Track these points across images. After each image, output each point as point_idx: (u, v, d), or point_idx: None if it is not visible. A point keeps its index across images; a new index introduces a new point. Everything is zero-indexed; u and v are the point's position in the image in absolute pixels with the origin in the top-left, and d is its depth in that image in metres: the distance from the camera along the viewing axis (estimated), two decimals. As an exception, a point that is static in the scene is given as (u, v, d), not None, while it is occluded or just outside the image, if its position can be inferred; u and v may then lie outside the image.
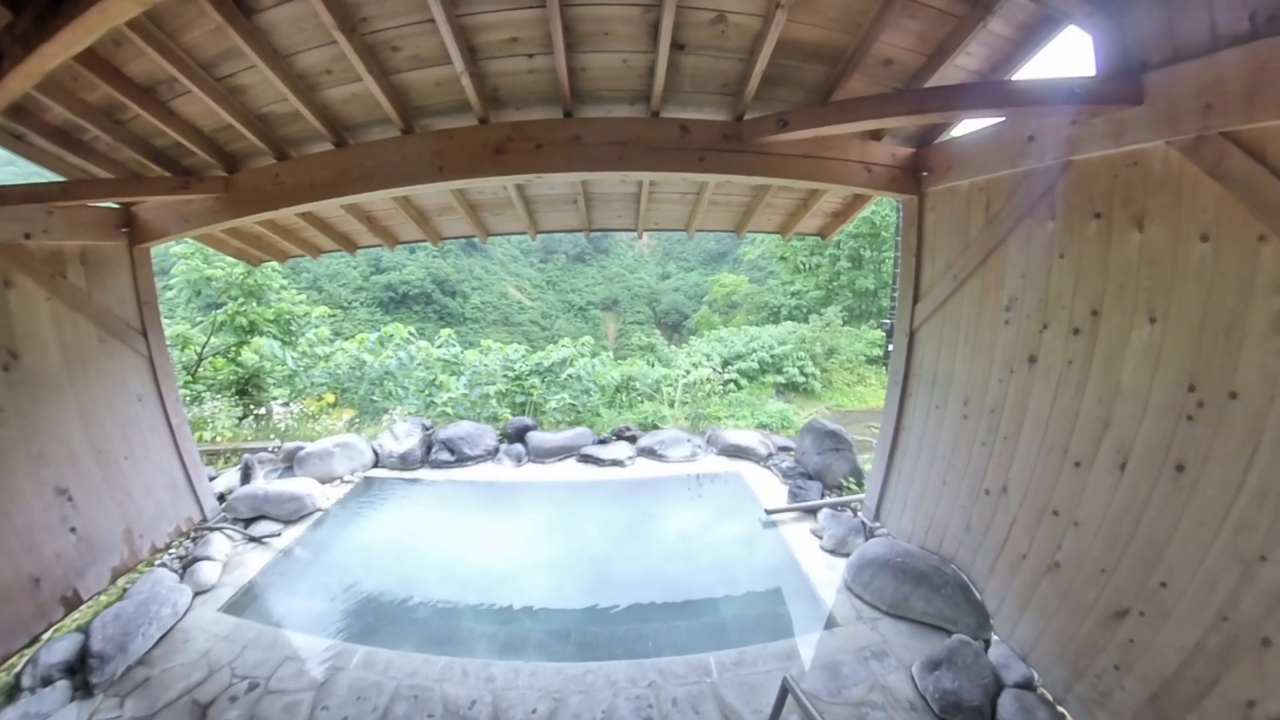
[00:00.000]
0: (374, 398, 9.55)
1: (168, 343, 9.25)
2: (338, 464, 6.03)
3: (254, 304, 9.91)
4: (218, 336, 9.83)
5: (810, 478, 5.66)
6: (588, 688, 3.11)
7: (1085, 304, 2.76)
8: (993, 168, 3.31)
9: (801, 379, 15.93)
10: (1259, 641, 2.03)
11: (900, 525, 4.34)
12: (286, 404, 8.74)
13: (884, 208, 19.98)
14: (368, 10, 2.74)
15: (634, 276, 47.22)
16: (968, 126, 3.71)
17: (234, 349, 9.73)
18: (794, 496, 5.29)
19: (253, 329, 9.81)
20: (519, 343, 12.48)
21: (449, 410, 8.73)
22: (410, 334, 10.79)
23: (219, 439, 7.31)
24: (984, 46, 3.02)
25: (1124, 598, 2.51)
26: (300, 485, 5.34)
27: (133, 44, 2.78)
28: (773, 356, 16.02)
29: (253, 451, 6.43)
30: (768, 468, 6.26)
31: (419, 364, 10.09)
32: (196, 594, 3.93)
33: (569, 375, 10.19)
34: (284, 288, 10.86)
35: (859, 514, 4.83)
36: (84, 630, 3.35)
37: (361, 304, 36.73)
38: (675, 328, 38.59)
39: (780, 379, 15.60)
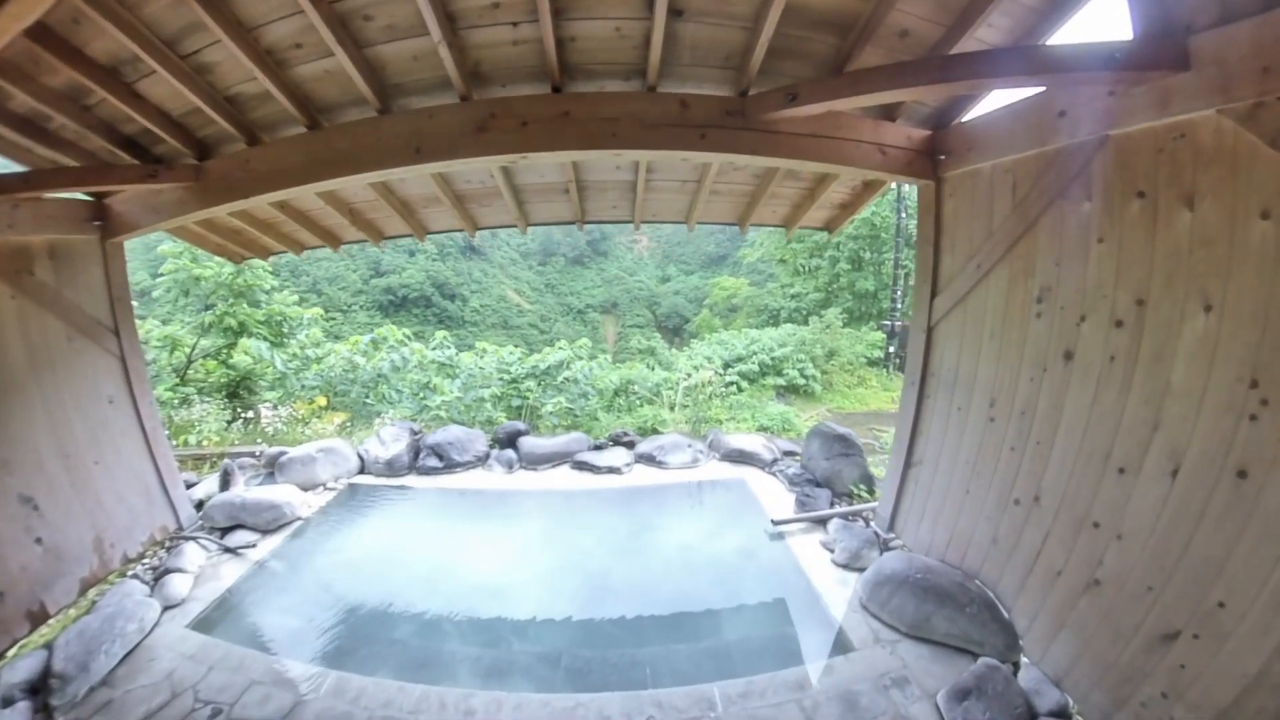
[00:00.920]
0: (367, 400, 9.39)
1: (157, 344, 9.22)
2: (321, 470, 5.78)
3: (244, 305, 9.75)
4: (207, 338, 9.66)
5: (818, 485, 5.38)
6: (577, 725, 2.83)
7: (1129, 293, 2.52)
8: (1019, 147, 3.08)
9: (802, 381, 15.83)
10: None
11: (918, 537, 4.08)
12: (275, 407, 8.49)
13: (884, 208, 19.91)
14: (336, -27, 2.53)
15: (633, 279, 47.09)
16: (988, 107, 3.48)
17: (224, 351, 9.57)
18: (801, 505, 5.03)
19: (242, 330, 9.65)
20: (518, 346, 12.32)
21: (443, 414, 8.53)
22: (405, 336, 10.63)
23: (205, 443, 7.08)
24: (1007, 17, 2.79)
25: (1174, 619, 2.28)
26: (279, 493, 5.09)
27: (92, 21, 2.61)
28: (773, 359, 15.90)
29: (234, 457, 6.17)
30: (773, 474, 6.00)
31: (413, 367, 9.93)
32: (165, 608, 3.69)
33: (565, 378, 10.02)
34: (275, 289, 10.68)
35: (872, 524, 4.56)
36: (49, 647, 3.15)
37: (361, 307, 36.83)
38: (676, 331, 38.42)
39: (781, 381, 15.46)
